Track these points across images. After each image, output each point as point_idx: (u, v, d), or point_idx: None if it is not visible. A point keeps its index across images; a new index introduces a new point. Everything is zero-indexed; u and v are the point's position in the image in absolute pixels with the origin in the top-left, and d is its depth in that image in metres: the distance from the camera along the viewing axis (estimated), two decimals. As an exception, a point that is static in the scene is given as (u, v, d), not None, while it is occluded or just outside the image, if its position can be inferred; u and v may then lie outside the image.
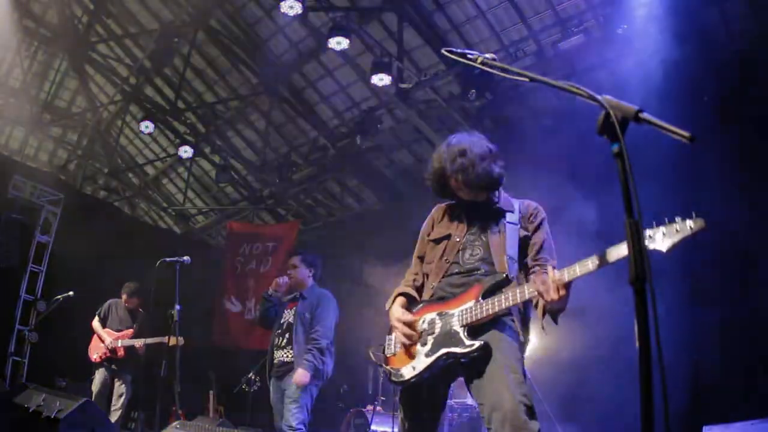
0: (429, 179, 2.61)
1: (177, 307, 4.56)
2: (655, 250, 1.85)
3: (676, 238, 1.84)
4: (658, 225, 1.87)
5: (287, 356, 4.49)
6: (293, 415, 4.28)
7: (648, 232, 1.87)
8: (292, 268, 4.78)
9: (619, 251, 1.96)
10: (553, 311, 2.23)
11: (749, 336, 5.11)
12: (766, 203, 5.11)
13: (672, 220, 1.86)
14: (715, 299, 5.44)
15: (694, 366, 5.28)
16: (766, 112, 5.26)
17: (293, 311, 4.66)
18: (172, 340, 5.58)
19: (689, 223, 1.83)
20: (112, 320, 6.27)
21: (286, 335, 4.54)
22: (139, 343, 5.99)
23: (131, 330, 6.16)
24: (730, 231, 5.27)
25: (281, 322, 4.68)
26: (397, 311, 2.51)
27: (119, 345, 6.04)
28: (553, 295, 2.09)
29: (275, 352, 4.57)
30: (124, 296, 6.38)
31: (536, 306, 2.29)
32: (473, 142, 2.53)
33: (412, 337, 2.42)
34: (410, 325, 2.44)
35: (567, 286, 2.10)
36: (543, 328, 2.31)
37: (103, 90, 10.84)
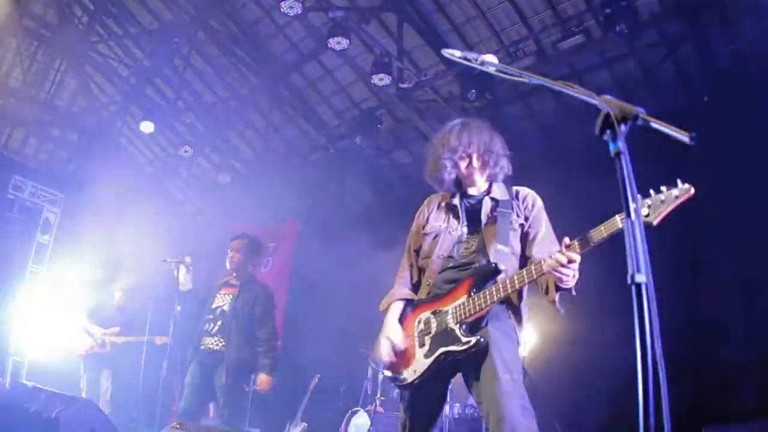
0: (441, 155, 2.49)
1: (178, 307, 4.55)
2: (644, 224, 1.74)
3: (663, 209, 1.79)
4: (644, 197, 1.82)
5: (217, 345, 4.33)
6: (224, 407, 4.28)
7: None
8: (235, 252, 4.52)
9: (605, 230, 1.97)
10: (564, 289, 2.17)
11: (749, 336, 5.11)
12: (766, 203, 5.11)
13: (657, 191, 1.81)
14: (715, 298, 5.44)
15: (694, 366, 5.28)
16: (764, 112, 5.26)
17: (230, 299, 4.43)
18: (159, 339, 5.60)
19: (674, 191, 1.78)
20: (100, 316, 6.36)
21: (218, 323, 4.36)
22: (121, 340, 6.10)
23: (117, 328, 6.28)
24: (731, 230, 5.28)
25: (213, 307, 4.44)
26: (390, 330, 2.45)
27: (105, 341, 6.14)
28: (566, 272, 2.05)
29: (203, 338, 4.37)
30: (118, 294, 6.48)
31: (546, 291, 2.24)
32: (491, 128, 2.52)
33: (392, 359, 2.40)
34: (395, 347, 2.40)
35: (579, 258, 2.06)
36: (558, 310, 2.24)
37: (103, 90, 10.84)
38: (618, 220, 1.90)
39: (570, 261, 2.05)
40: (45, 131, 11.21)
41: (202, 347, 4.36)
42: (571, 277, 2.09)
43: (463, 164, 2.48)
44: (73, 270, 7.88)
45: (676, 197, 1.77)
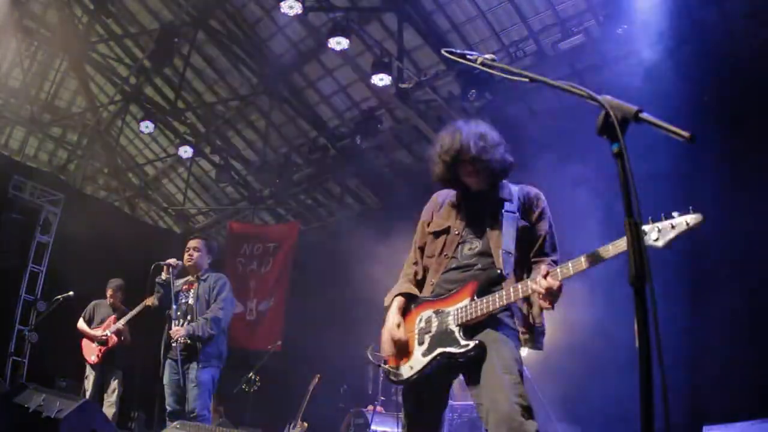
0: (439, 160, 2.48)
1: (173, 306, 4.58)
2: (651, 247, 1.81)
3: (672, 234, 1.79)
4: (654, 221, 1.83)
5: (190, 339, 4.47)
6: (196, 399, 4.34)
7: (643, 228, 1.81)
8: (194, 251, 4.78)
9: (613, 249, 1.95)
10: (547, 308, 2.24)
11: (749, 335, 5.11)
12: (766, 202, 5.11)
13: (669, 216, 1.81)
14: (715, 298, 5.44)
15: (694, 366, 5.28)
16: (765, 112, 5.27)
17: (193, 294, 4.66)
18: (149, 300, 5.78)
19: (686, 218, 1.79)
20: (97, 319, 6.39)
21: (187, 317, 4.54)
22: (123, 322, 6.12)
23: (113, 316, 6.27)
24: (730, 230, 5.28)
25: (180, 304, 4.65)
26: (392, 320, 2.46)
27: (108, 334, 6.14)
28: (546, 302, 2.12)
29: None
30: (109, 291, 6.50)
31: (533, 304, 2.32)
32: (487, 127, 2.50)
33: (394, 352, 2.41)
34: (397, 341, 2.41)
35: (560, 285, 2.10)
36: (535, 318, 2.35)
37: (103, 90, 10.85)
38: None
39: (548, 289, 2.09)
40: (45, 131, 11.22)
41: (174, 344, 4.44)
42: (548, 303, 2.14)
43: (464, 168, 2.46)
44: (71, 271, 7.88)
45: (687, 225, 1.78)
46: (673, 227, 1.80)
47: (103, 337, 6.17)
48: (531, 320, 2.38)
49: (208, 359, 4.48)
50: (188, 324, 4.46)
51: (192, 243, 4.88)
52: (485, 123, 2.57)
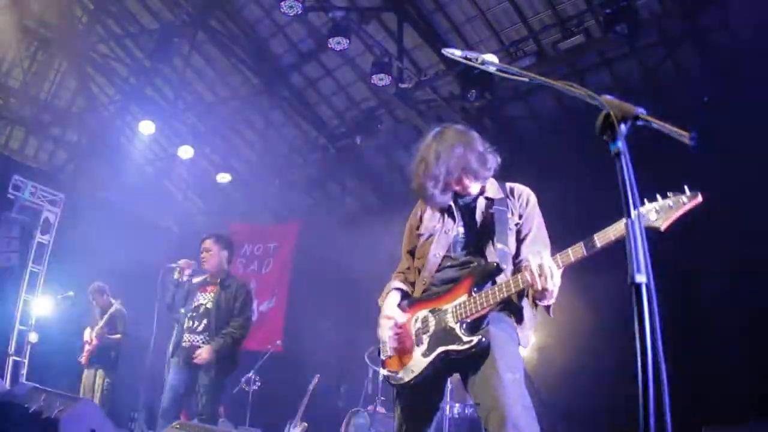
0: (430, 187, 2.38)
1: (181, 309, 4.58)
2: (650, 228, 1.78)
3: (671, 214, 1.78)
4: (650, 202, 1.81)
5: (202, 342, 4.46)
6: (207, 403, 4.35)
7: (641, 210, 1.81)
8: (205, 252, 4.70)
9: (609, 234, 1.93)
10: (543, 301, 2.13)
11: (750, 336, 5.11)
12: (767, 202, 5.10)
13: (664, 196, 1.80)
14: (715, 299, 5.44)
15: (694, 366, 5.28)
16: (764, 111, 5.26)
17: (212, 297, 4.59)
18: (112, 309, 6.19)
19: (683, 197, 1.77)
20: (91, 323, 6.50)
21: (203, 321, 4.49)
22: (99, 326, 6.28)
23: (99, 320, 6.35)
24: (730, 230, 5.27)
25: (195, 305, 4.59)
26: (389, 308, 2.43)
27: (90, 339, 6.27)
28: (544, 284, 2.02)
29: (186, 335, 4.49)
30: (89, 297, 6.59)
31: (527, 296, 2.24)
32: (467, 135, 2.46)
33: (400, 337, 2.35)
34: (399, 324, 2.36)
35: (557, 274, 2.03)
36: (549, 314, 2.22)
37: (103, 90, 10.84)
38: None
39: (542, 275, 2.01)
40: (45, 131, 11.20)
41: (185, 344, 4.42)
42: (548, 293, 2.05)
43: (450, 186, 2.42)
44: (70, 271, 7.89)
45: (684, 203, 1.76)
46: (671, 207, 1.78)
47: (91, 340, 6.34)
48: (523, 317, 2.35)
49: (221, 367, 4.48)
50: (216, 345, 4.41)
51: (204, 244, 4.78)
52: (460, 126, 2.53)
